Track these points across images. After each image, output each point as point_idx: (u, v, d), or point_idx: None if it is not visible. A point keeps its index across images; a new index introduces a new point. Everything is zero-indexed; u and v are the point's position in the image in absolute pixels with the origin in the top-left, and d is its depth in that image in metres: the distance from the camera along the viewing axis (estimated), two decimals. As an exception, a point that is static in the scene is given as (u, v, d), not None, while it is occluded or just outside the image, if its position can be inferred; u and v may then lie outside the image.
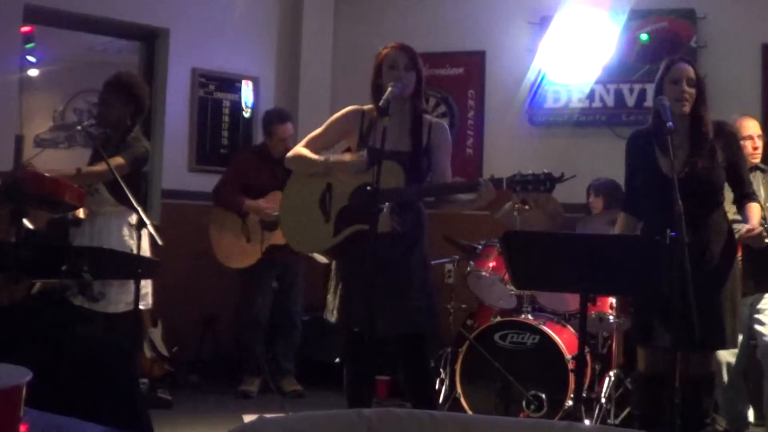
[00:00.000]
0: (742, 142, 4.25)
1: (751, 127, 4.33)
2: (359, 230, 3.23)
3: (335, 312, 3.40)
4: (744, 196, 3.44)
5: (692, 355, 3.25)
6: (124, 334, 3.88)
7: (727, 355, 4.17)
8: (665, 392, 3.42)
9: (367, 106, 3.45)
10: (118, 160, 4.09)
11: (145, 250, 4.01)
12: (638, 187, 3.47)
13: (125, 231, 4.15)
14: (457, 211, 3.53)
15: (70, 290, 3.54)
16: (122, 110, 4.27)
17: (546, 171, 3.08)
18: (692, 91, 3.33)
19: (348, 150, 3.60)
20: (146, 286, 4.23)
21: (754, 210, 3.42)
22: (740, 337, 4.19)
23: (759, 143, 4.32)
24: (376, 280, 3.06)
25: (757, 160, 4.32)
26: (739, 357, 4.21)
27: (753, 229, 3.33)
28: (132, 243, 4.08)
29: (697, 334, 2.88)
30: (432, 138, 3.43)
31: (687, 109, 3.32)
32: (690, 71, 3.35)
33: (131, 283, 3.92)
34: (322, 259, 3.52)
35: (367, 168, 3.25)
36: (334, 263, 3.49)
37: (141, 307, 4.25)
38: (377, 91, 3.36)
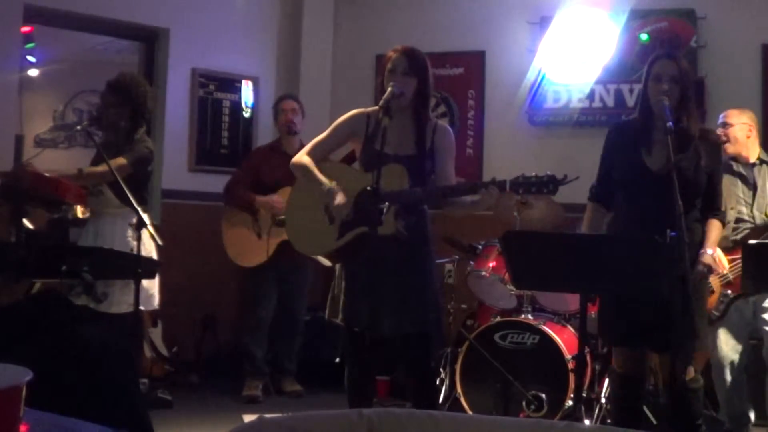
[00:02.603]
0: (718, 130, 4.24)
1: (729, 115, 4.31)
2: (362, 233, 3.23)
3: (340, 312, 3.40)
4: (711, 209, 3.40)
5: (674, 357, 3.26)
6: (126, 334, 3.88)
7: (731, 354, 4.17)
8: (641, 392, 3.46)
9: (371, 109, 3.45)
10: (120, 161, 4.10)
11: (150, 251, 4.02)
12: (613, 180, 3.44)
13: (129, 232, 4.15)
14: (461, 214, 3.52)
15: (74, 290, 3.54)
16: (117, 112, 4.27)
17: (549, 173, 3.08)
18: (675, 88, 3.26)
19: (352, 153, 3.59)
20: (152, 287, 4.23)
21: (714, 230, 3.38)
22: (745, 335, 4.21)
23: (730, 132, 4.25)
24: (381, 281, 3.07)
25: (727, 148, 4.23)
26: (741, 354, 4.21)
27: (709, 268, 3.31)
28: (134, 244, 4.08)
29: (694, 335, 2.88)
30: (436, 141, 3.43)
31: (671, 106, 3.23)
32: (672, 67, 3.28)
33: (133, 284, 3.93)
34: (325, 261, 3.52)
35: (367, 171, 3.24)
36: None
37: (146, 308, 4.27)
38: (382, 92, 3.36)
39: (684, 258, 2.87)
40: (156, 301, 4.34)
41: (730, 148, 4.27)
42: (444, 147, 3.45)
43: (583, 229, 3.58)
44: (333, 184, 3.34)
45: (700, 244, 3.34)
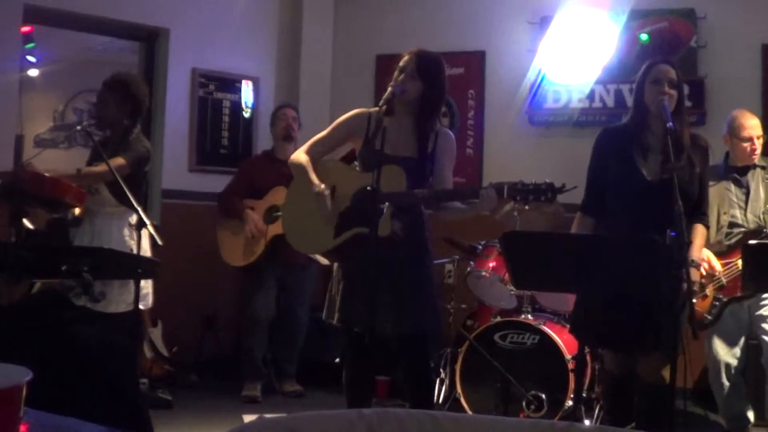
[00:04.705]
0: (741, 144, 4.22)
1: (752, 127, 4.23)
2: (359, 233, 3.23)
3: (337, 312, 3.40)
4: (696, 213, 3.38)
5: (645, 359, 3.26)
6: (124, 334, 3.88)
7: (727, 358, 4.17)
8: (628, 391, 3.46)
9: (373, 109, 3.44)
10: (119, 161, 4.09)
11: (146, 250, 4.01)
12: (604, 187, 3.41)
13: (125, 231, 4.15)
14: (456, 219, 3.51)
15: (73, 290, 3.54)
16: (119, 110, 4.27)
17: (548, 181, 3.08)
18: (673, 92, 3.28)
19: (352, 151, 3.59)
20: (147, 286, 4.23)
21: (699, 236, 3.38)
22: (741, 338, 4.21)
23: (757, 144, 4.25)
24: (379, 282, 3.07)
25: (755, 159, 4.27)
26: (738, 358, 4.21)
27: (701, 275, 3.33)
28: (132, 243, 4.08)
29: (696, 335, 2.88)
30: (438, 145, 3.43)
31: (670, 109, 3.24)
32: (671, 73, 3.30)
33: (132, 283, 3.93)
34: (323, 260, 3.52)
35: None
36: (336, 264, 3.49)
37: (141, 307, 4.26)
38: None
39: (685, 259, 2.87)
40: (150, 299, 4.34)
41: (756, 158, 4.26)
42: (444, 152, 3.45)
43: None
44: (322, 188, 3.34)
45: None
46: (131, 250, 3.98)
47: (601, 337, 3.35)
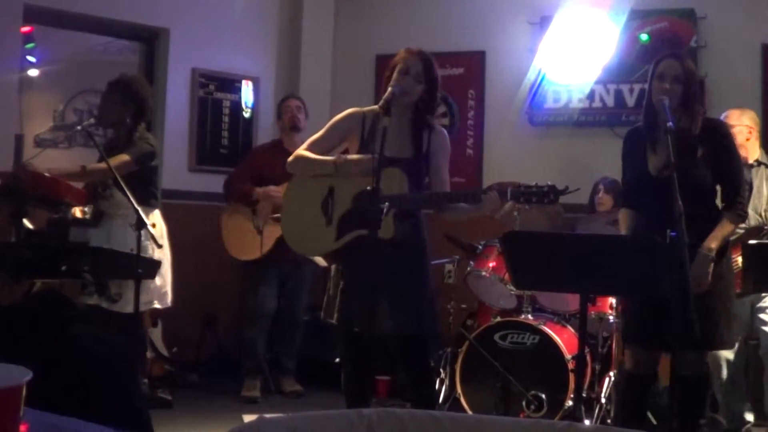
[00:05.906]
0: None
1: (732, 116, 4.27)
2: (361, 235, 3.23)
3: (336, 312, 3.40)
4: (726, 204, 3.31)
5: (686, 355, 3.25)
6: (125, 333, 3.89)
7: (726, 354, 4.17)
8: (648, 391, 3.45)
9: (368, 108, 3.44)
10: (124, 158, 4.14)
11: (162, 252, 4.06)
12: (630, 184, 3.47)
13: (142, 232, 4.17)
14: (460, 219, 3.51)
15: (86, 290, 3.57)
16: (121, 110, 4.30)
17: (550, 183, 3.09)
18: (676, 87, 3.25)
19: (346, 152, 3.59)
20: (165, 285, 4.28)
21: (719, 228, 3.22)
22: (740, 335, 4.21)
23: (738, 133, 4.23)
24: (378, 282, 3.07)
25: (746, 146, 4.25)
26: (738, 355, 4.21)
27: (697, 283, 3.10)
28: (147, 243, 4.08)
29: (697, 334, 2.88)
30: (432, 144, 3.43)
31: (672, 105, 3.22)
32: (676, 67, 3.26)
33: (148, 283, 3.97)
34: (321, 261, 3.52)
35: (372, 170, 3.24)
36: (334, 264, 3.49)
37: (159, 306, 4.35)
38: (386, 91, 3.36)
39: (685, 259, 2.87)
40: (169, 298, 4.38)
41: (745, 148, 4.25)
42: (439, 151, 3.46)
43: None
44: (338, 156, 3.35)
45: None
46: (151, 250, 4.00)
47: (646, 338, 3.32)
